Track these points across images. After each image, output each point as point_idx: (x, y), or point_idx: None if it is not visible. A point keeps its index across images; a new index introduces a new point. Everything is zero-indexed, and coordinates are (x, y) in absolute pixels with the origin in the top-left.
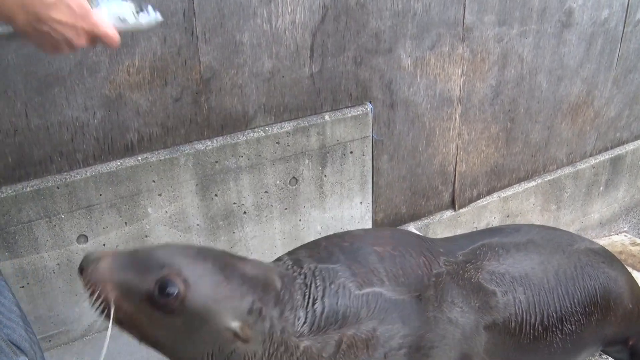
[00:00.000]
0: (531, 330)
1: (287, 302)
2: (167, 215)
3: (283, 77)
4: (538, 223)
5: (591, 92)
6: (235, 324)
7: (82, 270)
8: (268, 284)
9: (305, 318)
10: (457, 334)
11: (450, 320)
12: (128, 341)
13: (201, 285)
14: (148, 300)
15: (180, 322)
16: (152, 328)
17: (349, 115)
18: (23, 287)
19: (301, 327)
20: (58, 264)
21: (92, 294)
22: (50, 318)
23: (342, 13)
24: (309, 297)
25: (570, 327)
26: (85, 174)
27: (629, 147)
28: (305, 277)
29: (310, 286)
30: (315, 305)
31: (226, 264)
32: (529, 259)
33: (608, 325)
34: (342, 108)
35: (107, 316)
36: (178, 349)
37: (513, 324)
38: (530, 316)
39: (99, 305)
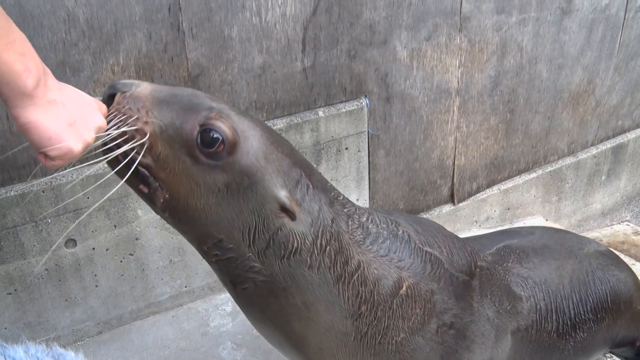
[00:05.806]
0: (547, 338)
1: (339, 204)
2: (158, 217)
3: (274, 72)
4: (539, 215)
5: (592, 81)
6: (283, 193)
7: (112, 94)
8: (312, 170)
9: (363, 228)
10: (492, 335)
11: (489, 318)
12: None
13: (251, 139)
14: (189, 145)
15: (223, 181)
16: (187, 183)
17: (344, 110)
18: (10, 293)
19: (356, 232)
20: (46, 269)
21: (121, 124)
22: (40, 324)
23: (335, 4)
24: (369, 217)
25: (582, 334)
26: (72, 177)
27: (631, 135)
28: (362, 213)
29: (372, 217)
30: (373, 226)
31: (272, 131)
32: (547, 264)
33: (618, 329)
34: (336, 103)
35: (127, 159)
36: (213, 217)
37: (533, 331)
38: (548, 323)
39: (127, 140)
